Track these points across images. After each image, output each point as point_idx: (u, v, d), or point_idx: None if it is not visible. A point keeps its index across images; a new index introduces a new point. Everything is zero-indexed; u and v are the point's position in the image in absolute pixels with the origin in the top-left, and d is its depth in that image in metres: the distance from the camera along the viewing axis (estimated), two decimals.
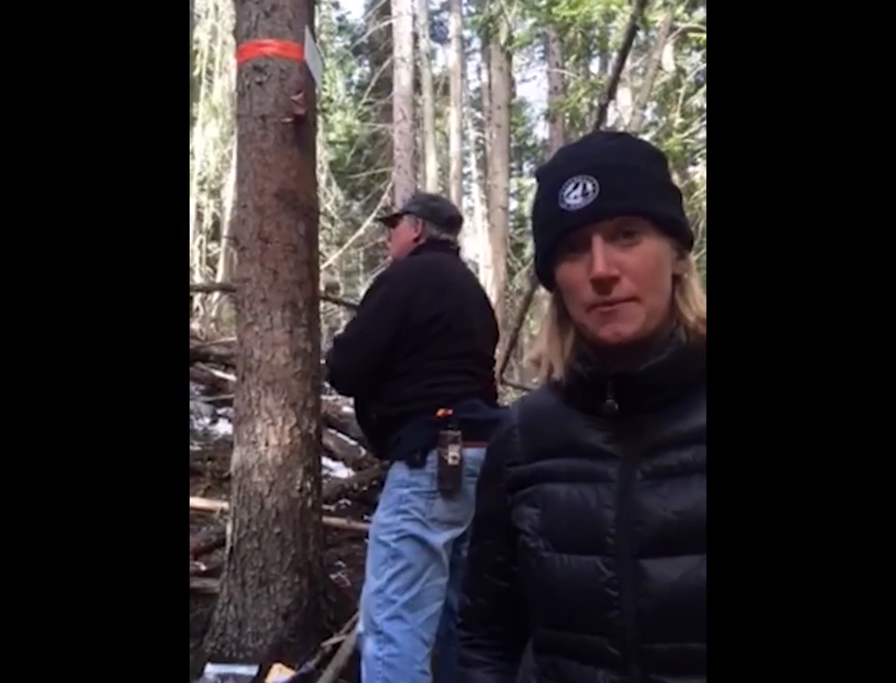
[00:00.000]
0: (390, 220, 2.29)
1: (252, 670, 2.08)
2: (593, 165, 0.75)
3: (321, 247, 2.49)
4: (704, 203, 7.36)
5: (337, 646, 2.19)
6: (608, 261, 0.72)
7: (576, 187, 0.74)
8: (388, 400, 1.95)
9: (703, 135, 7.88)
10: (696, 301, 0.77)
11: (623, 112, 8.80)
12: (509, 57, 11.62)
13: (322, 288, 2.49)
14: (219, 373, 5.35)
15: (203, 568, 2.85)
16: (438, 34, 15.53)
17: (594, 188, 0.73)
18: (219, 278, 10.00)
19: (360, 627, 1.85)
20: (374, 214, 11.88)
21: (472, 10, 12.72)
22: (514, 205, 14.09)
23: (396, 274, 2.10)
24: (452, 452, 1.81)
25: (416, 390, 1.91)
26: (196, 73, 8.94)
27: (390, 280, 2.07)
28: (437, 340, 1.94)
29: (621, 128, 7.96)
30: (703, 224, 7.32)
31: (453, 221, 2.21)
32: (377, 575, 1.82)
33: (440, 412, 1.86)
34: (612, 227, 0.74)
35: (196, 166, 9.16)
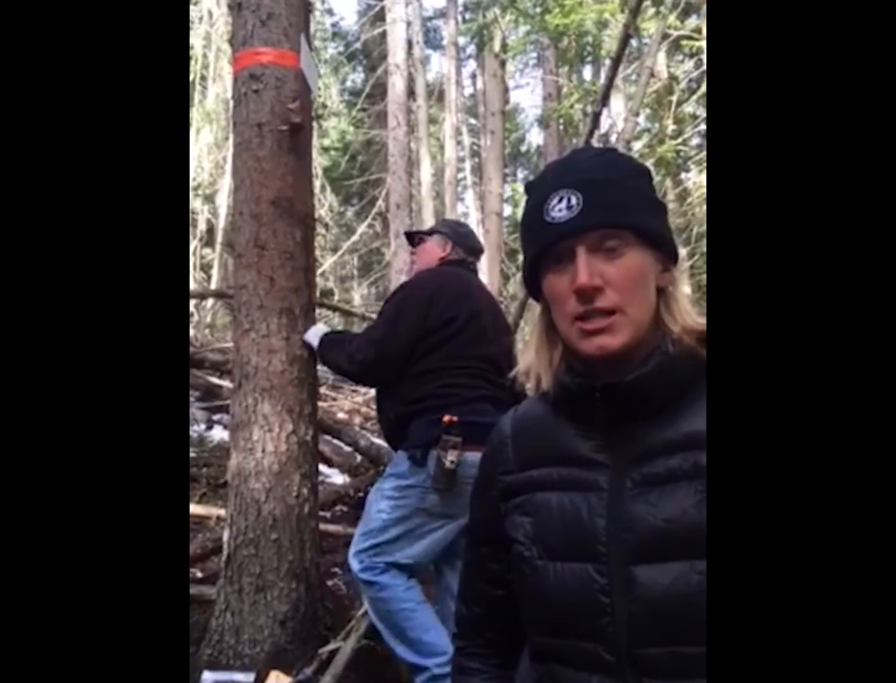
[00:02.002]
0: (416, 236, 2.46)
1: (249, 677, 2.08)
2: (578, 180, 0.78)
3: (315, 253, 2.51)
4: (697, 209, 7.40)
5: (334, 653, 2.19)
6: (591, 271, 0.75)
7: (560, 201, 0.77)
8: (404, 400, 2.09)
9: (695, 141, 7.92)
10: (682, 313, 0.79)
11: (616, 118, 8.84)
12: (503, 64, 11.66)
13: (317, 294, 2.51)
14: (214, 380, 5.34)
15: (199, 575, 2.84)
16: (433, 41, 15.59)
17: (578, 202, 0.76)
18: (213, 284, 9.98)
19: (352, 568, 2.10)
20: (368, 220, 11.89)
21: (467, 17, 12.77)
22: (508, 210, 14.11)
23: (416, 280, 2.27)
24: (451, 457, 1.93)
25: (429, 390, 2.04)
26: (190, 79, 8.95)
27: (410, 285, 2.25)
28: (451, 342, 2.08)
29: (615, 135, 8.00)
30: (696, 230, 7.36)
31: (476, 251, 2.42)
32: (364, 540, 2.05)
33: (445, 418, 1.96)
34: (596, 240, 0.76)
35: (190, 172, 9.15)
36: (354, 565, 2.05)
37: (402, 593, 1.99)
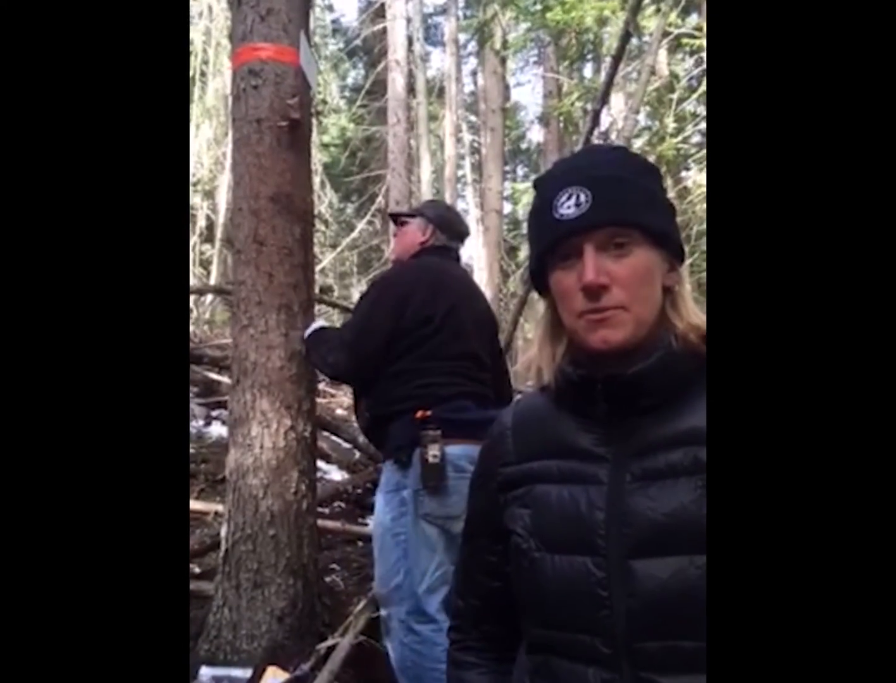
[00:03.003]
0: (399, 217, 2.38)
1: (247, 672, 2.08)
2: (587, 177, 0.78)
3: (315, 249, 2.50)
4: (697, 208, 7.40)
5: (331, 649, 2.19)
6: (598, 269, 0.75)
7: (569, 198, 0.77)
8: (381, 399, 2.06)
9: (695, 139, 7.92)
10: (688, 311, 0.79)
11: (617, 116, 8.83)
12: (504, 61, 11.65)
13: (316, 290, 2.50)
14: (213, 375, 5.33)
15: (197, 570, 2.84)
16: (433, 37, 15.56)
17: (587, 199, 0.76)
18: (212, 280, 9.97)
19: (382, 612, 2.06)
20: (367, 216, 11.88)
21: (467, 13, 12.75)
22: (508, 208, 14.12)
23: (392, 275, 2.23)
24: (432, 451, 1.90)
25: (407, 390, 2.00)
26: (190, 74, 8.93)
27: (386, 280, 2.20)
28: (428, 342, 2.03)
29: (615, 133, 8.00)
30: (696, 228, 7.36)
31: (461, 236, 2.33)
32: (395, 572, 1.97)
33: (418, 413, 1.95)
34: (604, 237, 0.76)
35: (190, 168, 9.13)
36: (398, 609, 1.96)
37: (440, 653, 1.86)
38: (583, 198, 0.76)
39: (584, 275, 0.75)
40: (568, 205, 0.77)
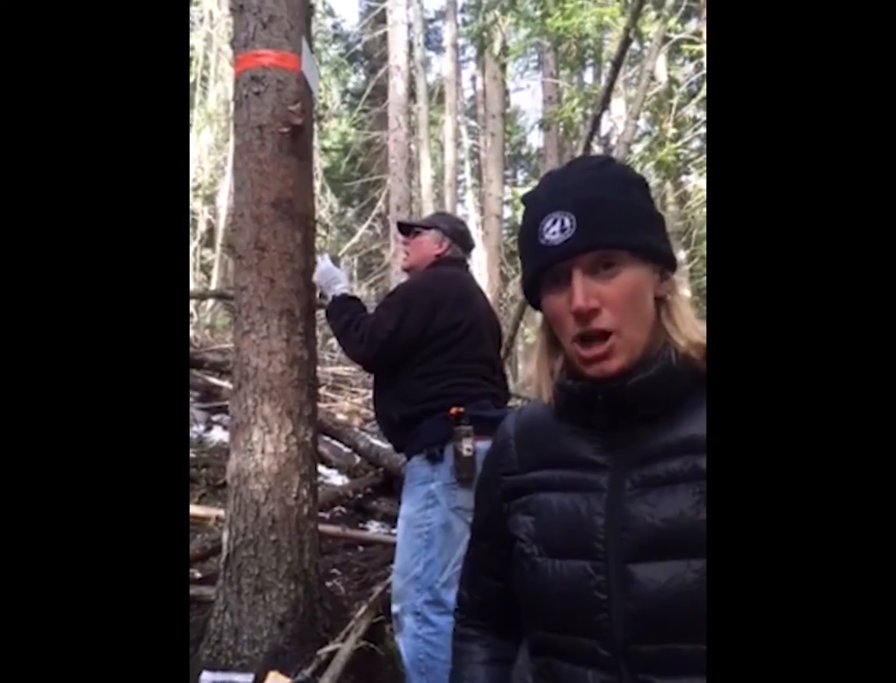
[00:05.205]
0: (411, 228, 2.43)
1: (248, 678, 2.08)
2: (571, 200, 0.78)
3: (316, 254, 2.51)
4: (697, 213, 7.42)
5: (333, 654, 2.19)
6: (587, 293, 0.76)
7: (554, 223, 0.77)
8: (410, 400, 2.11)
9: (695, 145, 7.94)
10: (685, 322, 0.80)
11: (616, 122, 8.85)
12: (504, 66, 11.68)
13: (317, 295, 2.51)
14: (214, 380, 5.34)
15: (198, 575, 2.84)
16: (433, 42, 15.61)
17: (571, 224, 0.76)
18: (213, 285, 10.00)
19: (394, 608, 2.08)
20: (368, 221, 11.90)
21: (467, 19, 12.79)
22: (508, 213, 14.13)
23: (422, 280, 2.27)
24: (466, 445, 1.99)
25: (437, 390, 2.08)
26: (191, 80, 8.97)
27: (419, 284, 2.25)
28: (457, 345, 2.13)
29: (615, 138, 8.02)
30: (696, 233, 7.38)
31: (470, 247, 2.47)
32: (415, 563, 2.02)
33: (453, 410, 2.03)
34: (591, 260, 0.77)
35: (191, 173, 9.16)
36: (413, 601, 1.98)
37: None
38: (567, 223, 0.76)
39: (573, 300, 0.76)
40: (553, 231, 0.77)
